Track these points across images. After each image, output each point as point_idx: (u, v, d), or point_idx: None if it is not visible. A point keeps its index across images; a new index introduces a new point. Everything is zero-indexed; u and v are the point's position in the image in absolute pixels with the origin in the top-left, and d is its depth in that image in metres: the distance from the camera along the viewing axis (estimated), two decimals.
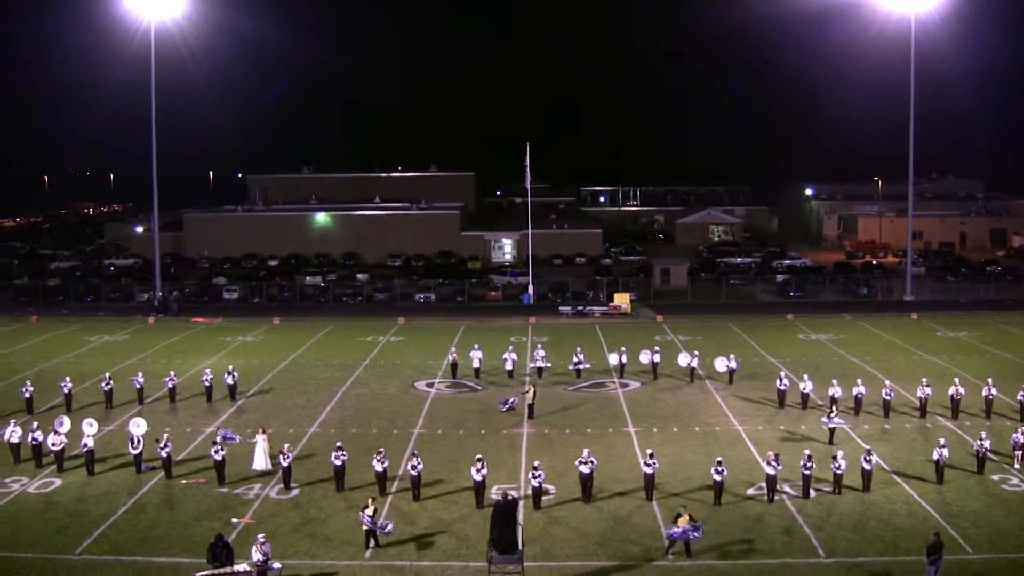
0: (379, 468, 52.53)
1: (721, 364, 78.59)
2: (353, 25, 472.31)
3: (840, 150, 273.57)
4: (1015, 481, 52.72)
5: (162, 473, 55.18)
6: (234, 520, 47.36)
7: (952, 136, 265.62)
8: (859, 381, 69.52)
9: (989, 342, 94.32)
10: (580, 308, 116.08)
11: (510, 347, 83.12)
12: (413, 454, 53.74)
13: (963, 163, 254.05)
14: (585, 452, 51.22)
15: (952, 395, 66.80)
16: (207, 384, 73.12)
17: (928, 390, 67.39)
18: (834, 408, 64.01)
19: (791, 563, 43.44)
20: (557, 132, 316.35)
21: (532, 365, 79.79)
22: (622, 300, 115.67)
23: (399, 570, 42.78)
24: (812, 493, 50.95)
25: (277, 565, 41.02)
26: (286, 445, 55.42)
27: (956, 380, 67.91)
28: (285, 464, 53.75)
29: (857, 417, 66.47)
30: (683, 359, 79.92)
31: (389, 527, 45.56)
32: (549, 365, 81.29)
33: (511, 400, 70.34)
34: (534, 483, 49.92)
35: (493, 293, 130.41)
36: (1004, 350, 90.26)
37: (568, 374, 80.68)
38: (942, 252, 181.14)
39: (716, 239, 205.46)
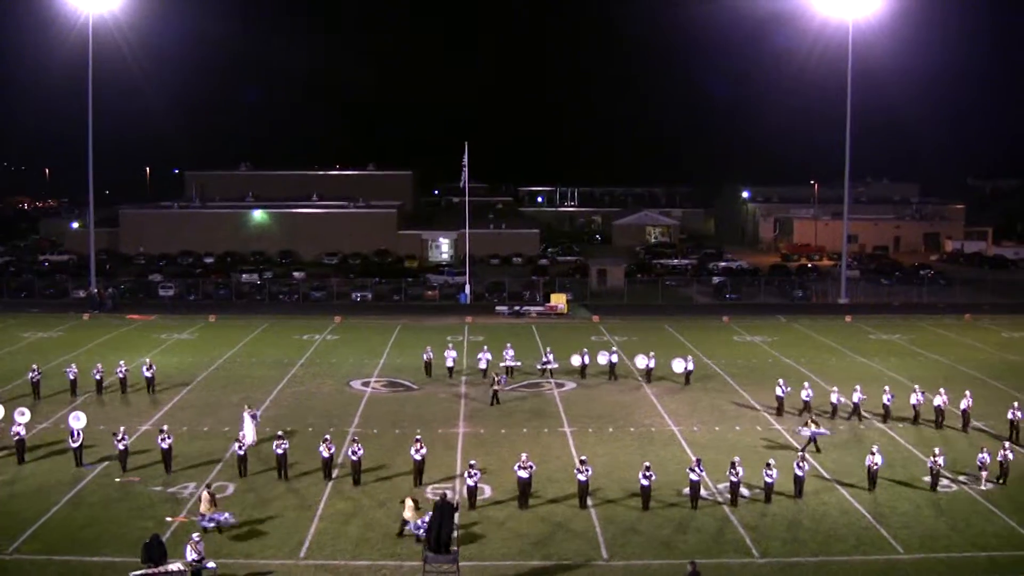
0: (326, 454, 54.09)
1: (679, 366, 78.77)
2: (292, 21, 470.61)
3: (777, 154, 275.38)
4: (945, 483, 53.22)
5: (98, 470, 54.90)
6: (168, 519, 47.14)
7: (888, 141, 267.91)
8: (835, 389, 69.83)
9: (922, 345, 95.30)
10: (517, 308, 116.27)
11: (484, 347, 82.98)
12: (353, 439, 55.09)
13: (898, 167, 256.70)
14: (523, 456, 51.27)
15: (914, 404, 66.92)
16: (121, 376, 73.86)
17: (862, 395, 68.04)
18: (811, 419, 63.40)
19: (726, 563, 43.79)
20: (495, 132, 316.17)
21: (502, 364, 79.64)
22: (558, 300, 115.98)
23: (334, 569, 42.69)
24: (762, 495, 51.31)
25: (212, 564, 40.87)
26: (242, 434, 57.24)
27: (916, 387, 68.18)
28: (241, 452, 55.21)
29: (833, 420, 66.87)
30: (640, 361, 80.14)
31: (227, 517, 46.00)
32: (519, 364, 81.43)
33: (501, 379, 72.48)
34: (469, 482, 49.99)
35: (430, 292, 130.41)
36: (937, 353, 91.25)
37: (534, 373, 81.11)
38: (876, 256, 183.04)
39: (653, 240, 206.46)
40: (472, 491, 50.10)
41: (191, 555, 40.22)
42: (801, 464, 51.79)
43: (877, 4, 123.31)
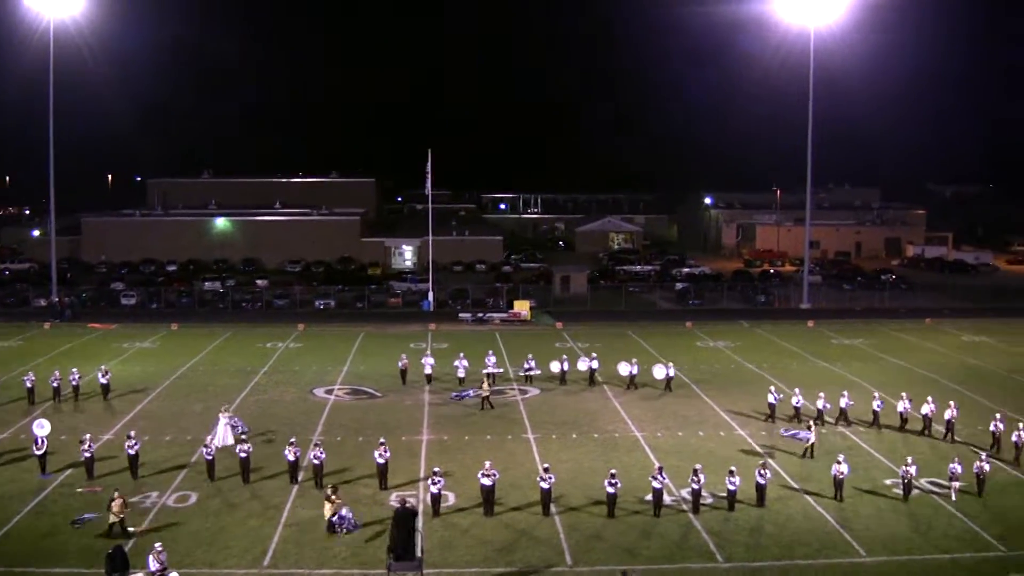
0: (291, 458, 54.68)
1: (660, 372, 78.87)
2: (256, 27, 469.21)
3: (739, 160, 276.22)
4: (916, 493, 53.38)
5: (59, 479, 54.61)
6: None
7: (849, 147, 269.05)
8: (821, 394, 69.92)
9: (884, 349, 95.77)
10: (480, 315, 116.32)
11: (460, 355, 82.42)
12: (316, 444, 55.73)
13: (859, 173, 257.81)
14: (487, 464, 51.21)
15: (901, 412, 66.82)
16: (75, 384, 73.91)
17: (827, 404, 68.27)
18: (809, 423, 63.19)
19: (690, 568, 43.90)
20: (459, 139, 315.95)
21: (484, 371, 79.43)
22: (522, 307, 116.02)
23: None
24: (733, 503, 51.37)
25: (174, 574, 40.71)
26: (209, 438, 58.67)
27: (903, 394, 67.88)
28: (209, 457, 55.85)
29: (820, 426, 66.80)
30: (623, 368, 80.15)
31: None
32: (500, 371, 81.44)
33: (467, 393, 73.08)
34: (433, 489, 49.98)
35: (393, 299, 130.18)
36: (898, 357, 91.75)
37: (515, 380, 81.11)
38: (838, 261, 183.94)
39: (616, 247, 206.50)
40: (436, 498, 50.05)
41: (153, 565, 40.07)
42: (763, 472, 51.87)
43: (839, 11, 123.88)
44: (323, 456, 54.62)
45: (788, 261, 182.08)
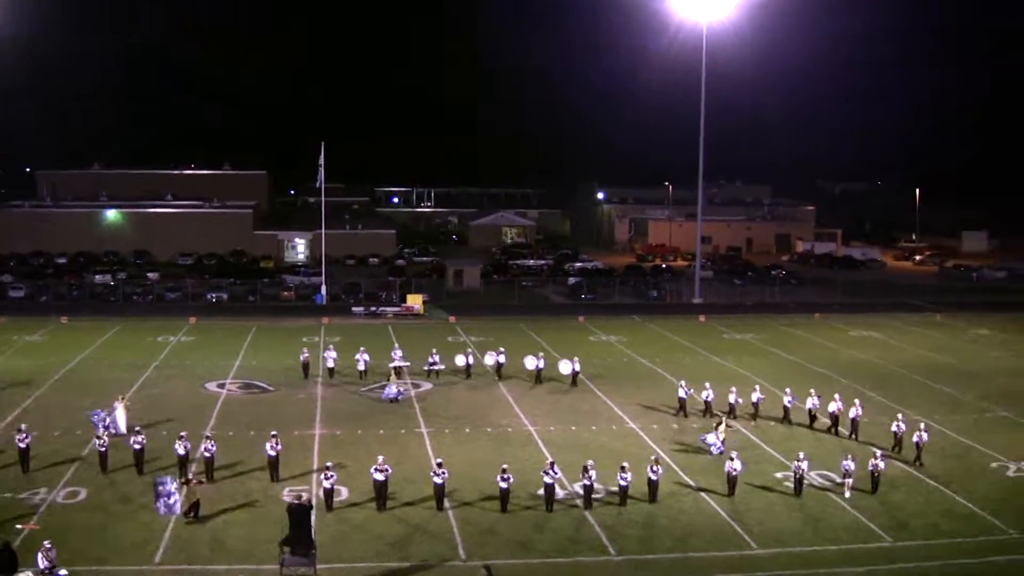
0: (181, 451, 54.21)
1: (566, 367, 78.90)
2: (146, 12, 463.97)
3: (632, 155, 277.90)
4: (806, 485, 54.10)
5: None
6: (19, 527, 46.27)
7: (741, 143, 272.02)
8: (756, 387, 70.70)
9: (774, 344, 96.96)
10: (373, 309, 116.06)
11: (361, 349, 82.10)
12: (207, 437, 55.20)
13: (751, 170, 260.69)
14: (380, 459, 51.09)
15: (810, 408, 67.18)
16: None
17: (738, 399, 68.75)
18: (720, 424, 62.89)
19: (583, 562, 44.21)
20: (351, 131, 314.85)
21: (391, 365, 78.99)
22: (415, 301, 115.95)
23: (189, 574, 42.33)
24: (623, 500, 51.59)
25: (63, 572, 40.23)
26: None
27: (837, 396, 67.70)
28: (103, 449, 55.47)
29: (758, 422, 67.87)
30: (529, 361, 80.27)
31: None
32: (408, 364, 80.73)
33: (396, 392, 72.06)
34: (326, 484, 49.83)
35: (286, 293, 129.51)
36: (788, 351, 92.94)
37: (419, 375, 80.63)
38: (729, 256, 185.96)
39: (509, 241, 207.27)
40: (329, 493, 49.90)
41: (43, 563, 39.58)
42: (655, 468, 52.17)
43: (731, 7, 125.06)
44: (214, 449, 54.28)
45: (680, 256, 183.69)
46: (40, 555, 39.71)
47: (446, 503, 50.44)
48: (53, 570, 39.71)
